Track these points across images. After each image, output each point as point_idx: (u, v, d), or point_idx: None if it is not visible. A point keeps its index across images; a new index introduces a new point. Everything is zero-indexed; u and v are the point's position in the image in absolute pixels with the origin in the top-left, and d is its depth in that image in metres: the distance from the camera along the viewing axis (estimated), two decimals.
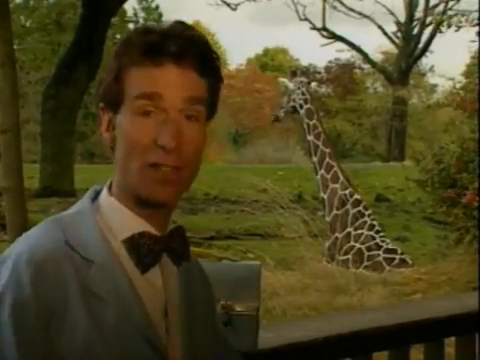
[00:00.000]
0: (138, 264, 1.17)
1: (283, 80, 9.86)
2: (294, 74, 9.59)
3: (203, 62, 1.19)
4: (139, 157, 1.14)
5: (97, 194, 1.24)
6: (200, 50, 1.19)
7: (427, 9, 31.64)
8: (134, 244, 1.17)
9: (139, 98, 1.15)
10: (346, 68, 34.11)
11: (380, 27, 33.35)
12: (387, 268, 8.21)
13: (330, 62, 33.96)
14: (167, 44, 1.16)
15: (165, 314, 1.20)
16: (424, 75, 37.59)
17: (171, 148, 1.13)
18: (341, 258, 8.53)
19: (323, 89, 34.63)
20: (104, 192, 1.23)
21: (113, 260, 1.16)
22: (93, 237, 1.16)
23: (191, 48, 1.17)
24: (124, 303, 1.14)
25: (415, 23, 33.22)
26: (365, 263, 8.39)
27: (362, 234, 8.64)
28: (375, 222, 8.81)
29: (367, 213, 8.81)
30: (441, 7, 29.96)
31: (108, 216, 1.19)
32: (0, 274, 1.12)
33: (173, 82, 1.16)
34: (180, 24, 1.20)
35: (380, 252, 8.43)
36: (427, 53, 33.90)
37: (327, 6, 31.32)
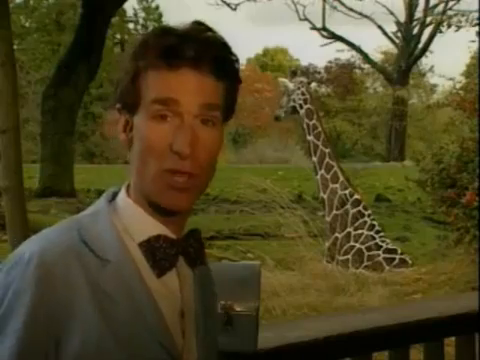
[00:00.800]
0: (154, 267, 1.17)
1: (283, 80, 9.86)
2: (294, 74, 9.58)
3: (220, 65, 1.18)
4: (155, 162, 1.14)
5: (114, 195, 1.23)
6: (218, 53, 1.17)
7: (427, 9, 31.66)
8: (150, 247, 1.17)
9: (155, 103, 1.14)
10: (346, 68, 34.11)
11: (380, 27, 33.37)
12: (387, 268, 8.21)
13: (330, 62, 33.99)
14: (184, 47, 1.15)
15: (181, 317, 1.20)
16: (424, 75, 37.62)
17: (186, 155, 1.12)
18: (341, 258, 8.53)
19: (323, 89, 34.64)
20: (122, 193, 1.22)
21: (128, 262, 1.15)
22: (109, 237, 1.16)
23: (209, 51, 1.16)
24: (137, 305, 1.13)
25: (415, 23, 33.23)
26: (365, 263, 8.39)
27: (362, 234, 8.64)
28: (375, 222, 8.80)
29: (367, 213, 8.81)
30: (441, 7, 30.00)
31: (125, 218, 1.19)
32: (12, 276, 1.12)
33: (189, 88, 1.15)
34: (198, 25, 1.19)
35: (380, 252, 8.43)
36: (427, 53, 33.94)
37: (327, 6, 31.34)
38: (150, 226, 1.18)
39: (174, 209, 1.16)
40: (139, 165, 1.16)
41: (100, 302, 1.11)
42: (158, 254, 1.17)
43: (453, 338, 2.37)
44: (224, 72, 1.19)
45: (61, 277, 1.10)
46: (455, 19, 25.78)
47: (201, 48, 1.15)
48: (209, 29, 1.19)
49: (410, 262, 8.29)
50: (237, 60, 1.23)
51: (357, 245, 8.57)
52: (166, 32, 1.17)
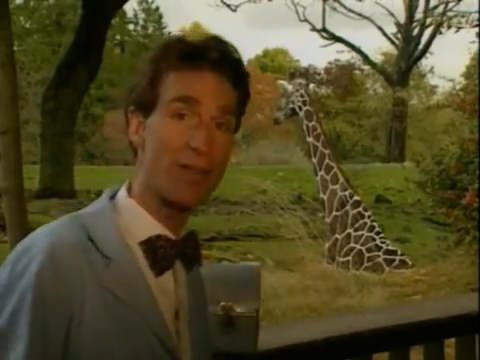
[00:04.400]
0: (153, 267, 1.19)
1: (281, 82, 9.86)
2: (293, 76, 9.57)
3: (238, 74, 1.23)
4: (170, 157, 1.16)
5: (115, 194, 1.25)
6: (236, 63, 1.23)
7: (427, 10, 31.66)
8: (151, 246, 1.19)
9: (175, 101, 1.17)
10: (346, 69, 34.10)
11: (380, 28, 33.38)
12: (387, 269, 8.21)
13: (330, 63, 33.97)
14: (207, 51, 1.19)
15: (175, 317, 1.22)
16: (424, 76, 37.63)
17: (204, 151, 1.16)
18: (341, 259, 8.53)
19: (323, 90, 34.63)
20: (122, 193, 1.24)
21: (130, 260, 1.17)
22: (112, 236, 1.17)
23: (229, 59, 1.21)
24: (140, 303, 1.15)
25: (415, 24, 33.24)
26: (365, 264, 8.38)
27: (362, 235, 8.63)
28: (375, 223, 8.80)
29: (367, 214, 8.80)
30: (441, 8, 29.99)
31: (126, 217, 1.20)
32: (18, 272, 1.12)
33: (210, 89, 1.19)
34: (216, 38, 1.23)
35: (380, 253, 8.43)
36: (427, 54, 33.94)
37: (327, 7, 31.34)
38: (151, 226, 1.20)
39: (184, 203, 1.19)
40: (152, 161, 1.18)
41: (105, 299, 1.12)
42: (158, 254, 1.19)
43: (453, 339, 2.37)
44: (240, 82, 1.23)
45: (69, 273, 1.10)
46: (455, 20, 25.85)
47: (223, 54, 1.21)
48: (227, 42, 1.24)
49: (410, 263, 8.29)
50: (249, 76, 1.27)
51: (357, 246, 8.57)
52: (187, 39, 1.22)
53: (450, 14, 28.03)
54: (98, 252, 1.14)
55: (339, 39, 32.86)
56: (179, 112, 1.17)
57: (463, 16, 25.64)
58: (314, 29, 32.43)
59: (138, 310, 1.14)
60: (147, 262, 1.18)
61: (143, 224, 1.20)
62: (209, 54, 1.19)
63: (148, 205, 1.20)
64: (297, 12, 32.06)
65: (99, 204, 1.23)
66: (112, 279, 1.13)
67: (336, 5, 31.76)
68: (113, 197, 1.24)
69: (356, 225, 8.70)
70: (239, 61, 1.24)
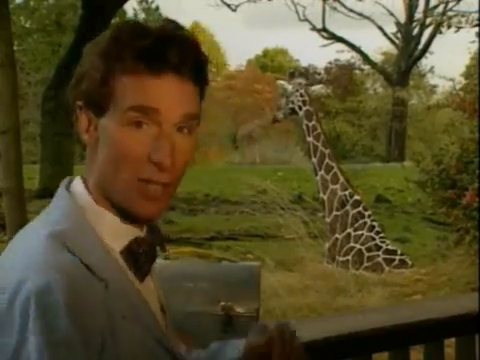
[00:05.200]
0: (137, 273, 1.13)
1: (281, 82, 9.86)
2: (292, 75, 9.57)
3: (199, 69, 1.12)
4: (129, 170, 1.08)
5: (68, 186, 1.16)
6: (198, 56, 1.12)
7: (427, 10, 31.67)
8: (131, 254, 1.12)
9: (132, 110, 1.06)
10: (346, 69, 34.09)
11: (380, 28, 33.41)
12: (387, 269, 8.21)
13: (330, 63, 33.96)
14: (167, 51, 1.07)
15: (163, 312, 1.20)
16: (424, 76, 37.63)
17: (167, 166, 1.07)
18: (341, 259, 8.53)
19: (323, 90, 34.63)
20: (80, 190, 1.14)
21: (122, 276, 1.10)
22: (101, 254, 1.08)
23: (190, 55, 1.10)
24: (143, 318, 1.10)
25: (415, 24, 33.24)
26: (365, 264, 8.39)
27: (362, 235, 8.64)
28: (375, 223, 8.81)
29: (367, 214, 8.81)
30: (441, 8, 30.00)
31: (100, 225, 1.11)
32: (17, 316, 0.98)
33: (172, 97, 1.08)
34: (170, 23, 1.11)
35: (380, 253, 8.43)
36: (427, 54, 33.95)
37: (327, 7, 31.37)
38: (123, 230, 1.13)
39: (146, 218, 1.12)
40: (108, 170, 1.09)
41: (113, 321, 1.04)
42: (140, 260, 1.13)
43: (453, 339, 2.37)
44: (201, 76, 1.13)
45: (69, 312, 0.98)
46: (455, 20, 25.84)
47: (183, 52, 1.08)
48: (183, 28, 1.12)
49: (410, 263, 8.29)
50: (208, 60, 1.15)
51: (357, 246, 8.57)
52: (141, 31, 1.08)
53: (450, 14, 28.03)
54: (94, 276, 1.04)
55: (339, 39, 32.88)
56: (136, 120, 1.07)
57: (463, 16, 25.63)
58: (314, 29, 32.45)
59: (142, 325, 1.09)
60: (130, 270, 1.12)
61: (115, 229, 1.12)
62: (169, 56, 1.07)
63: (109, 209, 1.12)
64: (297, 12, 32.14)
65: (64, 206, 1.12)
66: (114, 301, 1.06)
67: (336, 5, 31.81)
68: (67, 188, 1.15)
69: (356, 225, 8.71)
70: (199, 52, 1.12)
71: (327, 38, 32.92)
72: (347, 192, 8.84)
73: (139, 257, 1.13)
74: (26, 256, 1.05)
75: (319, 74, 33.73)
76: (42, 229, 1.08)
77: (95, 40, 1.12)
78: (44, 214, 1.15)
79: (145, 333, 1.10)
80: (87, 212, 1.12)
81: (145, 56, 1.07)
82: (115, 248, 1.11)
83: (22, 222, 4.61)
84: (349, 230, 8.71)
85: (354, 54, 34.07)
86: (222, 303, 1.40)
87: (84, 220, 1.10)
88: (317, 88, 33.37)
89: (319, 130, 9.14)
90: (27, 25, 31.20)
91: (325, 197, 8.95)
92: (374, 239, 8.59)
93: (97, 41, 1.11)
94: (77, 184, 1.15)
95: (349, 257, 8.53)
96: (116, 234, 1.12)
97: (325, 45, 33.34)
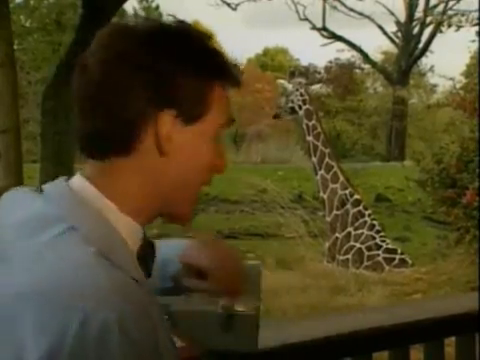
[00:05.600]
0: (146, 274, 1.06)
1: (281, 81, 9.89)
2: (292, 75, 9.58)
3: None
4: (200, 180, 1.08)
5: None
6: None
7: (427, 9, 31.63)
8: (143, 257, 1.06)
9: (226, 126, 1.08)
10: (346, 68, 34.08)
11: (380, 27, 33.34)
12: (387, 268, 8.22)
13: (330, 62, 33.92)
14: (234, 65, 1.10)
15: None
16: (424, 75, 37.59)
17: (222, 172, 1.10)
18: (341, 258, 8.54)
19: (323, 89, 34.62)
20: (92, 190, 1.04)
21: (145, 281, 1.04)
22: (133, 260, 1.02)
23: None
24: (164, 321, 1.06)
25: (415, 23, 33.21)
26: (365, 263, 8.39)
27: (362, 234, 8.64)
28: (375, 222, 8.81)
29: (367, 213, 8.81)
30: (441, 7, 29.99)
31: (116, 225, 1.04)
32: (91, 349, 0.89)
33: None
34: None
35: (380, 252, 8.44)
36: (427, 53, 33.87)
37: (327, 6, 31.32)
38: (135, 229, 1.06)
39: (184, 222, 1.11)
40: (180, 182, 1.05)
41: (163, 328, 1.01)
42: (149, 261, 1.10)
43: (453, 338, 2.37)
44: None
45: (147, 326, 0.94)
46: (455, 19, 25.85)
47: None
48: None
49: (410, 262, 8.30)
50: None
51: (357, 245, 8.58)
52: (214, 45, 1.08)
53: (450, 13, 28.04)
54: (141, 289, 0.98)
55: (339, 38, 32.84)
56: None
57: (463, 15, 25.65)
58: (314, 28, 32.41)
59: (164, 326, 1.04)
60: (143, 271, 1.04)
61: (131, 231, 1.04)
62: (235, 69, 1.09)
63: (137, 212, 1.05)
64: (297, 11, 32.04)
65: (87, 215, 1.01)
66: (150, 304, 0.98)
67: (336, 4, 31.77)
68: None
69: (356, 224, 8.71)
70: None
71: (327, 37, 32.89)
72: (347, 191, 8.85)
73: (148, 259, 1.09)
74: (76, 278, 0.94)
75: (319, 73, 33.72)
76: (83, 244, 0.96)
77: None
78: (60, 224, 0.99)
79: (167, 334, 1.05)
80: (103, 213, 1.02)
81: (232, 70, 1.08)
82: (133, 249, 1.04)
83: None
84: (349, 229, 8.71)
85: (354, 53, 34.05)
86: (222, 302, 1.39)
87: (110, 226, 1.01)
88: (317, 87, 33.33)
89: (319, 129, 9.15)
90: (27, 24, 31.20)
91: (325, 196, 8.96)
92: (374, 238, 8.60)
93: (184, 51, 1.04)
94: (81, 183, 1.06)
95: (349, 256, 8.54)
96: (130, 234, 1.04)
97: (325, 44, 33.32)
